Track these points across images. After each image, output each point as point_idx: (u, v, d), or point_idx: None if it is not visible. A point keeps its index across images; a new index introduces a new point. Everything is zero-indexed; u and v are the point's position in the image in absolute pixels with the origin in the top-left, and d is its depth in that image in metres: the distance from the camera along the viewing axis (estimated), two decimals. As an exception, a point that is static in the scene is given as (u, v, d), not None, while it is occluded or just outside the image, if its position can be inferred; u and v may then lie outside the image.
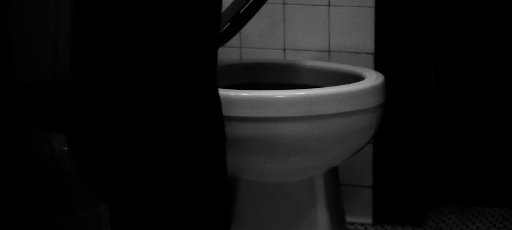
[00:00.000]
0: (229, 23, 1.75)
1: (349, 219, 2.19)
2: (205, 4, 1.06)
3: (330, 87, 1.73)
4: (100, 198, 1.12)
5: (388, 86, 1.84)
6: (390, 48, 2.07)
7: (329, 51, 2.13)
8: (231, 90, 1.71)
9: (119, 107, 1.05)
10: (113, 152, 1.06)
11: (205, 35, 1.08)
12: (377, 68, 2.08)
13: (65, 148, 1.70)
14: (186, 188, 1.07)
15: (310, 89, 1.72)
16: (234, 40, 2.11)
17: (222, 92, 1.14)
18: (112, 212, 1.12)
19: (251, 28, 2.15)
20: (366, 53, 2.11)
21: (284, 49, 2.16)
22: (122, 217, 1.09)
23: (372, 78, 1.81)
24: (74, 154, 1.13)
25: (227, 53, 2.14)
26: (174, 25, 1.03)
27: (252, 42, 2.16)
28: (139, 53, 1.03)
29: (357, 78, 1.85)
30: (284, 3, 2.12)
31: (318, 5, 2.11)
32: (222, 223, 1.12)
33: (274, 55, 2.16)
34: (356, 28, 2.10)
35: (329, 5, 2.10)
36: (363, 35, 2.10)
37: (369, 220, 2.20)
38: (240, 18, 1.79)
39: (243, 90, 1.71)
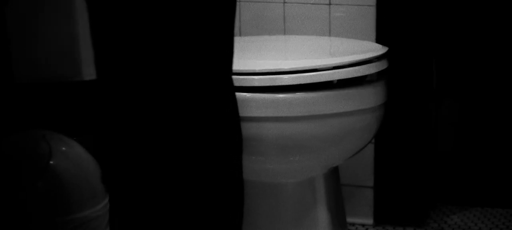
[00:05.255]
0: None
1: (350, 219, 2.18)
2: (221, 5, 1.06)
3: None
4: (111, 196, 1.12)
5: (389, 86, 1.83)
6: (392, 48, 2.06)
7: (329, 51, 2.13)
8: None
9: (135, 106, 1.04)
10: (127, 151, 1.06)
11: (222, 36, 1.08)
12: (378, 67, 2.07)
13: (63, 148, 1.69)
14: (202, 187, 1.07)
15: (310, 89, 1.71)
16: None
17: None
18: (112, 209, 1.11)
19: (251, 27, 2.14)
20: (367, 52, 2.10)
21: (285, 49, 2.16)
22: (132, 216, 1.09)
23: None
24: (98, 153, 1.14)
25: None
26: (191, 26, 1.03)
27: (252, 41, 2.15)
28: (157, 54, 1.03)
29: (358, 77, 1.84)
30: (284, 2, 2.12)
31: (319, 4, 2.10)
32: (234, 223, 1.12)
33: (274, 55, 2.15)
34: (357, 27, 2.09)
35: (329, 4, 2.09)
36: (364, 34, 2.09)
37: (370, 221, 2.19)
38: None
39: (243, 90, 1.70)
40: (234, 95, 1.11)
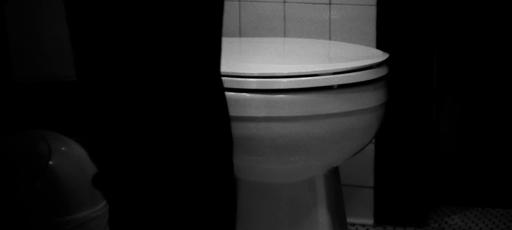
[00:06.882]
0: None
1: (350, 220, 2.18)
2: (207, 5, 1.05)
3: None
4: (105, 198, 1.12)
5: (389, 86, 1.83)
6: (392, 47, 2.06)
7: (330, 50, 2.12)
8: (232, 90, 1.69)
9: (122, 107, 1.04)
10: (117, 152, 1.05)
11: (210, 36, 1.07)
12: (378, 67, 2.07)
13: (63, 148, 1.69)
14: (192, 188, 1.06)
15: (310, 89, 1.70)
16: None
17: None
18: (111, 212, 1.11)
19: (251, 27, 2.13)
20: (368, 52, 2.09)
21: (285, 48, 2.15)
22: (124, 217, 1.08)
23: (373, 78, 1.80)
24: (90, 154, 1.13)
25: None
26: (178, 26, 1.03)
27: (252, 41, 2.15)
28: (143, 54, 1.02)
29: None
30: (285, 2, 2.11)
31: (319, 4, 2.09)
32: (227, 224, 1.11)
33: (274, 55, 2.15)
34: (358, 27, 2.09)
35: (330, 4, 2.09)
36: (364, 34, 2.09)
37: (370, 221, 2.19)
38: None
39: (243, 90, 1.70)
40: (224, 95, 1.11)
